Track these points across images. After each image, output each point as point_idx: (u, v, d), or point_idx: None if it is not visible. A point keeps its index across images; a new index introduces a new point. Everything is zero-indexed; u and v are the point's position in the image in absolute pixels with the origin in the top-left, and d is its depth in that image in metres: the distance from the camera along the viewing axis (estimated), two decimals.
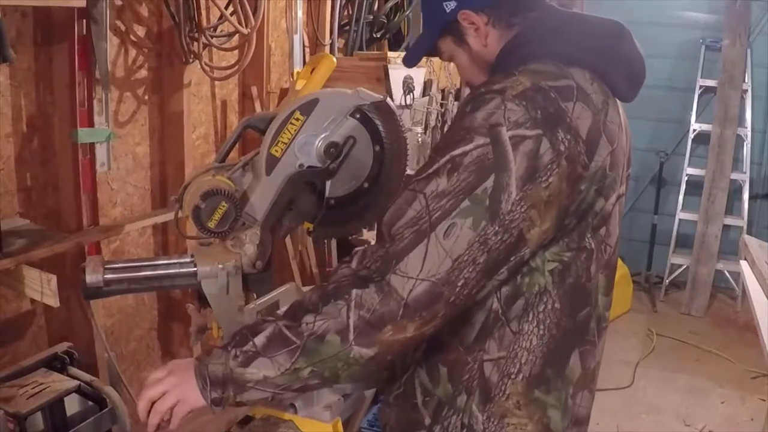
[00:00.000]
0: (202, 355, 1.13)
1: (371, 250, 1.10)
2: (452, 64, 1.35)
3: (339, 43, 3.51)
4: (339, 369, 1.06)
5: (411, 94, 2.93)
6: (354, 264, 1.12)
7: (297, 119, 1.40)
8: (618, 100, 1.21)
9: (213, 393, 1.09)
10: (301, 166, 1.42)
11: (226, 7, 2.49)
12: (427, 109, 3.04)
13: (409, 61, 1.39)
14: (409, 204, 1.06)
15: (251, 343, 1.08)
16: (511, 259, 1.07)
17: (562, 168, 1.04)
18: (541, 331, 1.14)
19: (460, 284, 1.03)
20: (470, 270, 1.03)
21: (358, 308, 1.03)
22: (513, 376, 1.15)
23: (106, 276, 1.37)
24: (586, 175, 1.08)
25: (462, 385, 1.17)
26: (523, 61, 1.14)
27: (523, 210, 1.03)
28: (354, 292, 1.04)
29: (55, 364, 2.01)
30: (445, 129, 3.05)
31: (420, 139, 2.90)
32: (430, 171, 1.05)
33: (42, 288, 1.88)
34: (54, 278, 1.87)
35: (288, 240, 3.08)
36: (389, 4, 3.68)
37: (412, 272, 1.02)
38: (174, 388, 1.14)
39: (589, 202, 1.11)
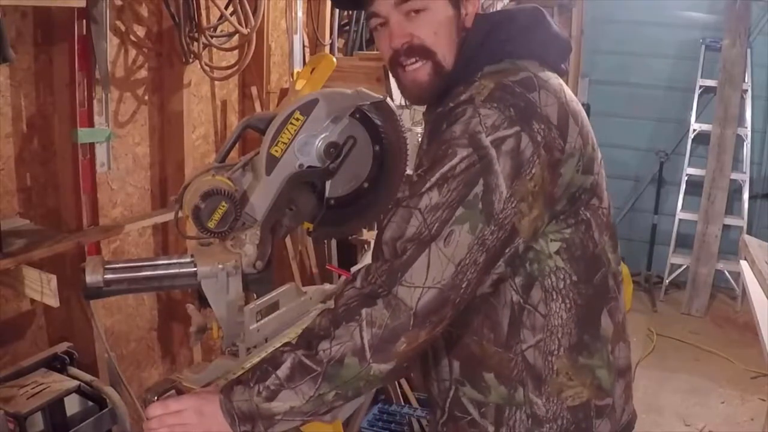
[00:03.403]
0: (225, 389, 1.12)
1: (374, 267, 1.12)
2: None
3: (339, 43, 3.51)
4: (361, 387, 1.09)
5: None
6: (358, 283, 1.15)
7: (297, 119, 1.40)
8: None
9: (242, 427, 1.10)
10: (301, 166, 1.42)
11: (226, 7, 2.49)
12: None
13: None
14: (406, 222, 1.08)
15: (273, 376, 1.08)
16: (506, 251, 1.10)
17: (542, 157, 1.08)
18: (568, 305, 1.18)
19: (464, 286, 1.06)
20: (472, 271, 1.06)
21: (369, 326, 1.05)
22: (555, 353, 1.18)
23: (106, 276, 1.37)
24: (563, 158, 1.11)
25: (514, 381, 1.20)
26: (480, 66, 1.17)
27: (513, 205, 1.07)
28: (364, 311, 1.06)
29: (55, 364, 2.01)
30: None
31: (420, 139, 2.90)
32: (422, 190, 1.07)
33: (42, 288, 1.88)
34: (54, 278, 1.87)
35: (288, 240, 3.08)
36: None
37: (418, 281, 1.04)
38: (200, 423, 1.12)
39: (578, 184, 1.15)
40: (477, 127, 1.06)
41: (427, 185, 1.07)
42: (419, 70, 1.20)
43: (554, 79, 1.18)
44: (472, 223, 1.05)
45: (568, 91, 1.20)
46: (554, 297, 1.17)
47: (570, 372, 1.19)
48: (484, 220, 1.05)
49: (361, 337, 1.05)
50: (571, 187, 1.14)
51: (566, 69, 1.26)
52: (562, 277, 1.17)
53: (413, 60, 1.18)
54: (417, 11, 1.16)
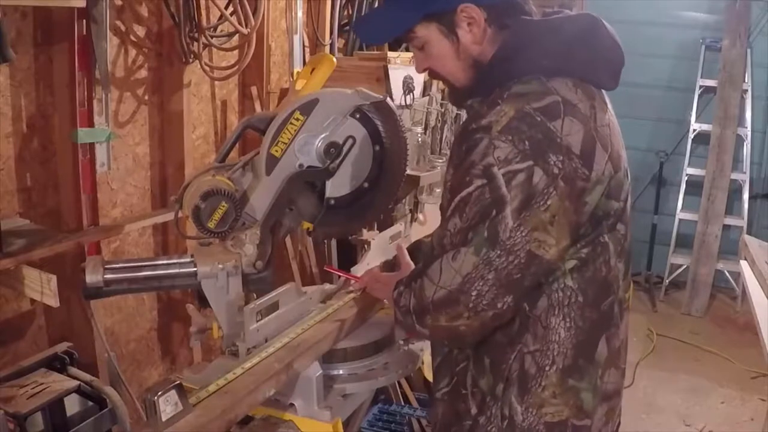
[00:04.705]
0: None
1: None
2: None
3: (339, 43, 3.51)
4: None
5: (411, 94, 2.92)
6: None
7: (297, 119, 1.40)
8: (603, 92, 1.25)
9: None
10: (301, 166, 1.43)
11: (226, 7, 2.49)
12: (427, 109, 3.04)
13: (373, 38, 1.47)
14: (441, 238, 1.22)
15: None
16: (531, 271, 1.15)
17: (560, 188, 1.11)
18: (568, 324, 1.22)
19: (474, 294, 1.15)
20: (481, 284, 1.14)
21: (413, 296, 1.24)
22: (547, 369, 1.22)
23: (106, 276, 1.38)
24: (588, 187, 1.14)
25: (500, 375, 1.24)
26: (509, 77, 1.17)
27: (524, 234, 1.12)
28: (417, 282, 1.23)
29: (55, 364, 2.00)
30: (444, 133, 3.06)
31: (420, 139, 2.90)
32: (449, 213, 1.20)
33: (42, 288, 1.88)
34: (54, 278, 1.86)
35: (288, 240, 3.08)
36: None
37: (435, 280, 1.19)
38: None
39: (604, 209, 1.18)
40: (490, 159, 1.12)
41: (452, 207, 1.19)
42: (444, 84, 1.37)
43: (587, 101, 1.17)
44: (477, 247, 1.14)
45: (602, 116, 1.19)
46: (556, 312, 1.21)
47: (556, 391, 1.23)
48: (488, 245, 1.13)
49: (410, 303, 1.24)
50: (597, 211, 1.17)
51: (615, 86, 1.25)
52: (569, 294, 1.21)
53: (436, 79, 1.39)
54: (421, 47, 1.30)
